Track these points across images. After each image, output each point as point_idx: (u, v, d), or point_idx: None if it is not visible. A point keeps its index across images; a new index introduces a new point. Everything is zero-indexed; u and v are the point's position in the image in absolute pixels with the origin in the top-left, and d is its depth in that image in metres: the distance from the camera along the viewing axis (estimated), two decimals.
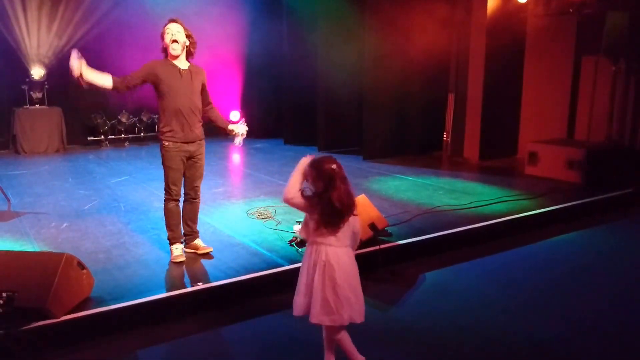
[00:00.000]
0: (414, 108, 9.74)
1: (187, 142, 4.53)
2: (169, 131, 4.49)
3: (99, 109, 10.81)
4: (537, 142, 8.27)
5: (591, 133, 7.95)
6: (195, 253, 4.83)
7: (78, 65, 4.11)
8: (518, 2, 8.76)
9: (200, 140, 4.66)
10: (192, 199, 4.78)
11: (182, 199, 4.76)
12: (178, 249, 4.74)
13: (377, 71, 9.23)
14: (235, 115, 12.32)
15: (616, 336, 3.81)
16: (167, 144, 4.51)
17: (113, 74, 4.37)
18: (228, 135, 4.79)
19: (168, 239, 4.76)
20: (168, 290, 4.11)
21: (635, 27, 7.40)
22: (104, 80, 4.28)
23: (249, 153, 10.57)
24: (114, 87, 4.31)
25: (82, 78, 4.13)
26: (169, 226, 4.73)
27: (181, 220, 4.79)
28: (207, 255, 4.81)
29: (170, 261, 4.67)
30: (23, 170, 8.61)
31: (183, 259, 4.69)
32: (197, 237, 4.92)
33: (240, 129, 4.71)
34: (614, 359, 3.56)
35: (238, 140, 4.73)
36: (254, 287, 4.35)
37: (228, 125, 4.77)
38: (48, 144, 10.26)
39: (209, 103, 4.78)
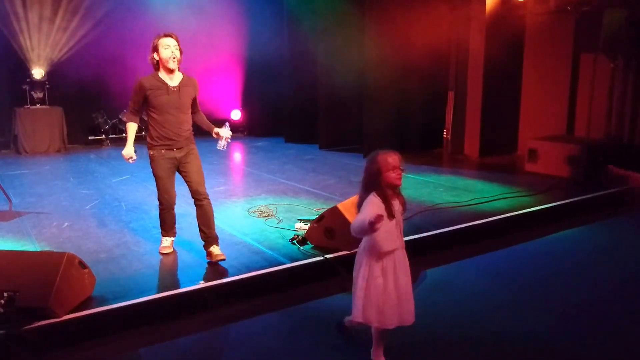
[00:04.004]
0: (414, 106, 9.74)
1: (172, 149, 4.58)
2: (154, 142, 4.58)
3: (100, 109, 10.84)
4: (536, 139, 8.29)
5: (590, 130, 7.95)
6: (209, 259, 4.65)
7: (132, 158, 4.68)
8: (517, 0, 8.77)
9: (189, 144, 4.67)
10: (199, 201, 4.66)
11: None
12: (167, 241, 4.89)
13: (377, 69, 9.24)
14: (236, 114, 12.35)
15: (616, 332, 3.83)
16: (151, 153, 4.61)
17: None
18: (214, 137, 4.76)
19: (162, 230, 4.90)
20: (170, 289, 4.12)
21: (633, 24, 7.41)
22: (133, 131, 4.74)
23: (250, 151, 10.59)
24: (140, 124, 4.87)
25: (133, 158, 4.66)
26: (162, 226, 4.87)
27: (175, 222, 4.89)
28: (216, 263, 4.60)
29: (159, 252, 4.85)
30: (24, 170, 8.63)
31: (169, 250, 4.86)
32: (215, 243, 4.69)
33: (224, 132, 4.69)
34: (613, 355, 3.57)
35: (222, 144, 4.70)
36: (256, 285, 4.36)
37: (213, 129, 4.78)
38: (49, 144, 10.28)
39: (197, 111, 4.81)
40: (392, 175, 3.09)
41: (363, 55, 9.39)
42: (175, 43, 4.46)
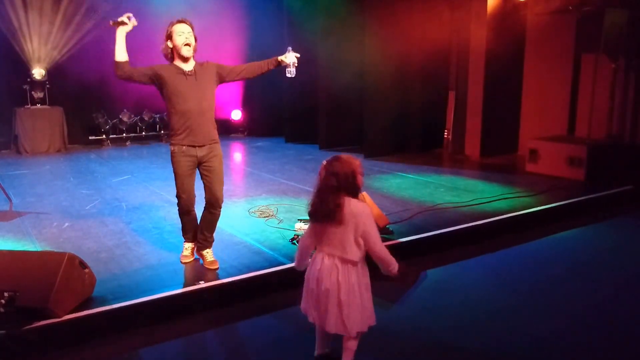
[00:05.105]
0: (415, 106, 9.75)
1: (194, 146, 4.31)
2: (175, 135, 4.32)
3: (100, 109, 10.84)
4: (537, 139, 8.28)
5: (591, 130, 7.95)
6: (203, 264, 4.61)
7: (128, 22, 4.28)
8: (518, 0, 8.77)
9: (212, 143, 4.40)
10: (212, 208, 4.49)
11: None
12: (187, 249, 4.70)
13: (377, 69, 9.24)
14: (236, 114, 12.34)
15: (618, 333, 3.82)
16: (172, 148, 4.34)
17: (114, 73, 4.32)
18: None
19: (182, 234, 4.71)
20: (170, 290, 4.11)
21: (634, 25, 7.40)
22: (122, 54, 4.24)
23: (250, 152, 10.59)
24: (120, 67, 4.21)
25: (118, 28, 4.23)
26: (182, 229, 4.67)
27: (196, 226, 4.64)
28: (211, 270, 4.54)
29: (180, 260, 4.67)
30: (25, 170, 8.62)
31: (189, 260, 4.66)
32: (209, 246, 4.63)
33: (290, 58, 4.49)
34: (615, 356, 3.57)
35: (291, 71, 4.48)
36: (256, 285, 4.36)
37: (275, 60, 4.52)
38: (50, 144, 10.28)
39: (243, 68, 4.55)
40: (362, 178, 3.07)
41: (363, 55, 9.39)
42: (190, 30, 4.29)
